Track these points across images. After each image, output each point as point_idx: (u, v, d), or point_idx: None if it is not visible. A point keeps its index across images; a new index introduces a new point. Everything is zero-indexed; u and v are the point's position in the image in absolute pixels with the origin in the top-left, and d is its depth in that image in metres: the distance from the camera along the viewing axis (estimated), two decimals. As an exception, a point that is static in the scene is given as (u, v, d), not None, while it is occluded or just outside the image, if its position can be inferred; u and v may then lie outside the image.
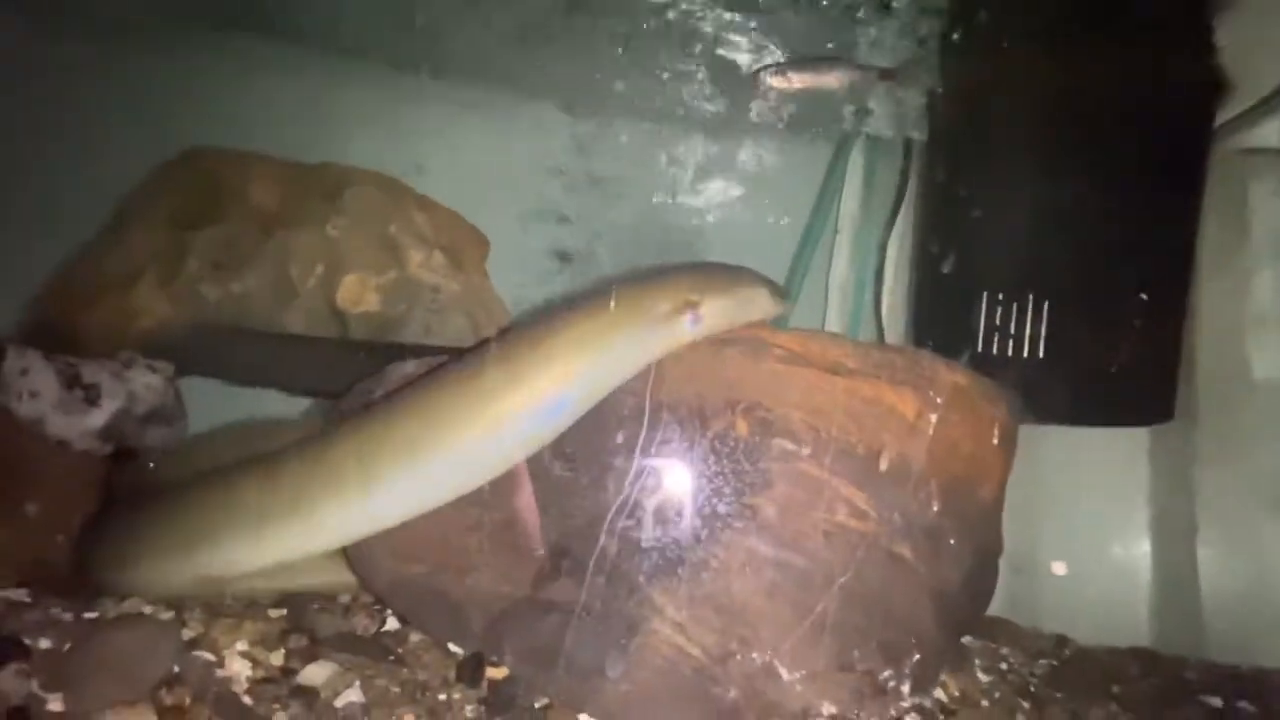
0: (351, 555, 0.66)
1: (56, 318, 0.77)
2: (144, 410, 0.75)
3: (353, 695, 0.49)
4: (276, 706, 0.46)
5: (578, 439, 0.65)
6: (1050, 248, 0.93)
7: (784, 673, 0.50)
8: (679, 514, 0.57)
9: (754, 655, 0.49)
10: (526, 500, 0.62)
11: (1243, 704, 0.67)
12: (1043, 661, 0.75)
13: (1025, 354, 0.91)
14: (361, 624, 0.62)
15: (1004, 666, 0.71)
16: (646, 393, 0.62)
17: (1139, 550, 1.00)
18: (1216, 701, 0.67)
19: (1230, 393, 0.97)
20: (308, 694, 0.48)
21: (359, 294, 0.77)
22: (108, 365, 0.73)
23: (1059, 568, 0.98)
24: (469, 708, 0.51)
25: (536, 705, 0.50)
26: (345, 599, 0.68)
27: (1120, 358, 0.90)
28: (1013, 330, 0.92)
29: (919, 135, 1.11)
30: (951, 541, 0.59)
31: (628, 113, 1.12)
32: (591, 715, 0.49)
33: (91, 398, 0.70)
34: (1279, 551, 0.92)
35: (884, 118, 1.11)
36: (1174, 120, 0.92)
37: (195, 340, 0.77)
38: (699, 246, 1.16)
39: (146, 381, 0.75)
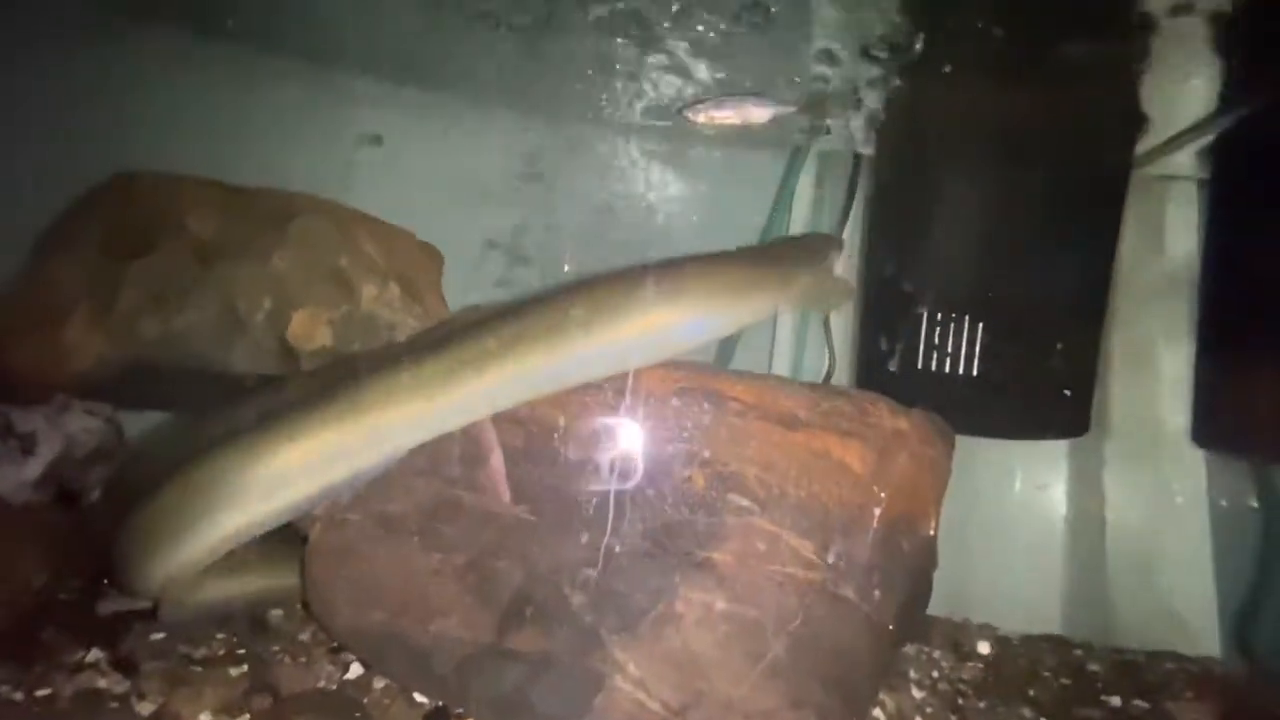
0: (310, 599, 0.66)
1: (-21, 356, 0.73)
2: (83, 453, 0.73)
3: (323, 762, 0.50)
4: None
5: (540, 482, 0.66)
6: (983, 269, 0.99)
7: (738, 718, 0.54)
8: (640, 561, 0.59)
9: (710, 705, 0.53)
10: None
11: (1137, 702, 0.76)
12: (970, 665, 0.83)
13: (960, 371, 0.97)
14: (325, 671, 0.63)
15: (936, 675, 0.78)
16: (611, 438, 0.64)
17: (1055, 547, 1.09)
18: (1116, 701, 0.76)
19: (1139, 407, 1.06)
20: (279, 765, 0.49)
21: (311, 330, 0.75)
22: (41, 410, 0.69)
23: (986, 566, 1.06)
24: (437, 764, 0.53)
25: (504, 759, 0.53)
26: (305, 637, 0.68)
27: (1043, 375, 0.97)
28: (949, 348, 0.98)
29: (867, 151, 1.15)
30: (892, 576, 0.64)
31: (582, 119, 1.11)
32: (557, 769, 0.52)
33: (27, 446, 0.67)
34: (1173, 548, 1.03)
35: (835, 134, 1.13)
36: (1098, 151, 0.98)
37: (134, 380, 0.74)
38: (654, 253, 1.18)
39: (84, 425, 0.72)
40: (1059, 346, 0.97)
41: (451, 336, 0.62)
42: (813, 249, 0.78)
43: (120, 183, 0.81)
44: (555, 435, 0.67)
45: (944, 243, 1.00)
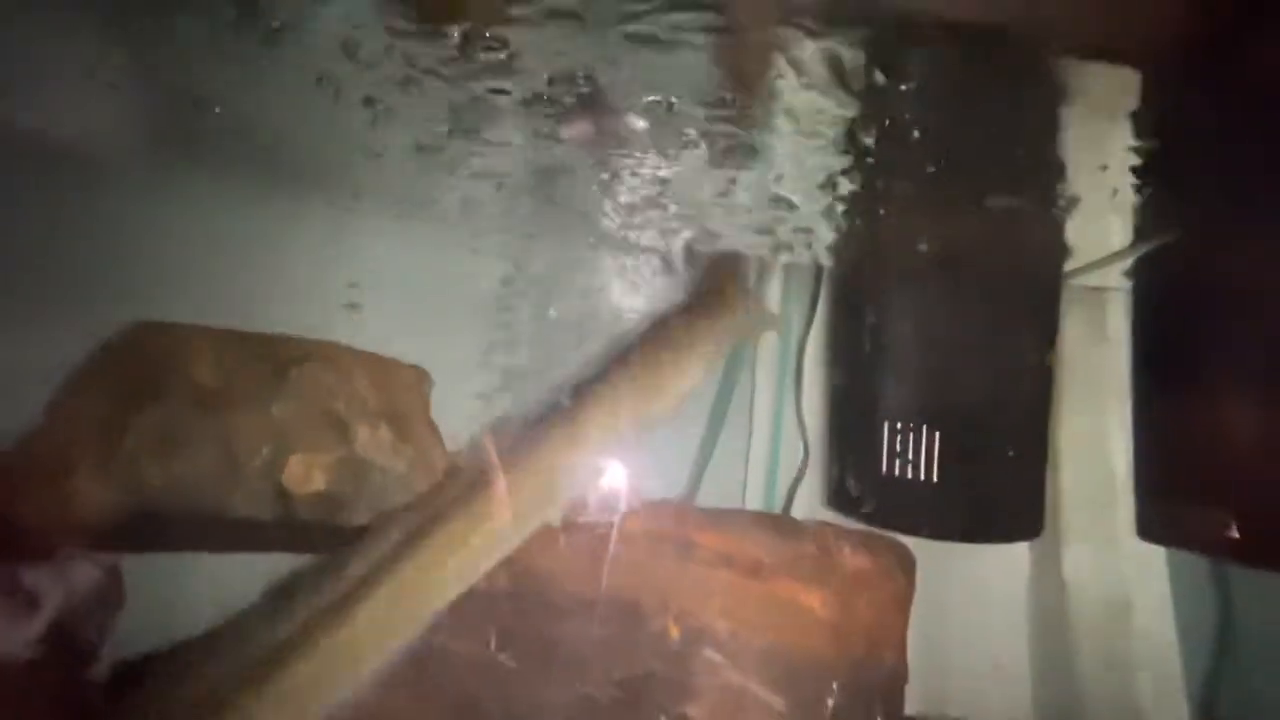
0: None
1: (-12, 510, 0.76)
2: (85, 604, 0.75)
3: None
4: None
5: (519, 626, 0.70)
6: (936, 382, 1.07)
7: None
8: (619, 712, 0.63)
9: None
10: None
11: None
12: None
13: (921, 477, 1.03)
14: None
15: (909, 796, 0.81)
16: (589, 581, 0.68)
17: (1020, 643, 1.14)
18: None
19: (1093, 502, 1.12)
20: None
21: (305, 475, 0.80)
22: (46, 567, 0.72)
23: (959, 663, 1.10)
24: None
25: None
26: None
27: (995, 479, 1.03)
28: (909, 455, 1.04)
29: (828, 263, 1.24)
30: (861, 712, 0.68)
31: (561, 236, 1.19)
32: None
33: (31, 603, 0.70)
34: (1138, 640, 1.08)
35: (799, 250, 1.22)
36: (1030, 274, 1.08)
37: (138, 525, 0.78)
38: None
39: (88, 575, 0.75)
40: (1008, 451, 1.04)
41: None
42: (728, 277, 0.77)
43: (131, 332, 0.86)
44: (538, 579, 0.71)
45: (898, 355, 1.08)
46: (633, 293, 1.27)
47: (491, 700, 0.67)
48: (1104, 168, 0.83)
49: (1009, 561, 1.14)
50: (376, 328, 1.05)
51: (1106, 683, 1.07)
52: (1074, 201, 0.98)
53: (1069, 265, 1.08)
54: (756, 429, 1.33)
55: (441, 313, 1.12)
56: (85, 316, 0.88)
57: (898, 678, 0.74)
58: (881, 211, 1.02)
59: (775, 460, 1.31)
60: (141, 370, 0.84)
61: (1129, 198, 0.98)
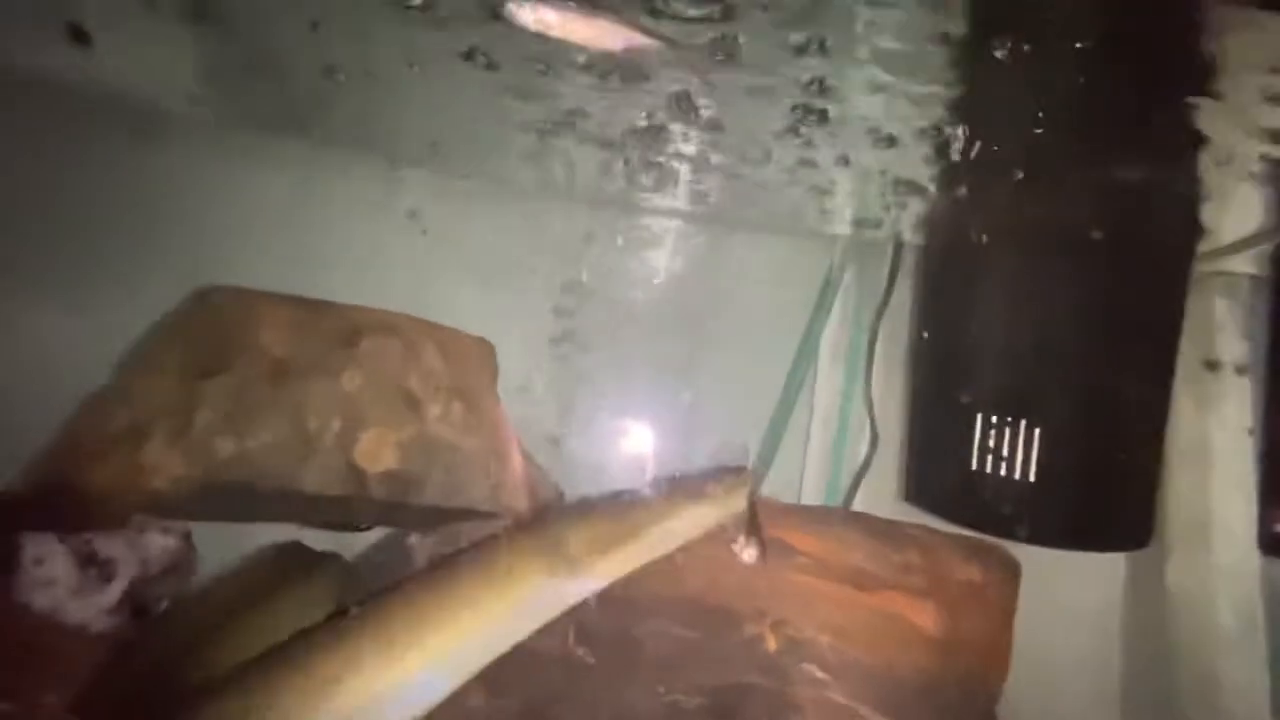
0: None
1: (62, 476, 0.75)
2: (157, 570, 0.75)
3: None
4: None
5: (600, 623, 0.66)
6: (1041, 370, 0.97)
7: None
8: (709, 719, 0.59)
9: None
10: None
11: None
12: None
13: (1017, 476, 0.95)
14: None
15: (1001, 815, 0.76)
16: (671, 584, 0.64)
17: (1113, 660, 1.06)
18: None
19: (1199, 512, 1.03)
20: None
21: (378, 451, 0.77)
22: (122, 535, 0.72)
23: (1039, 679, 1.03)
24: None
25: None
26: None
27: (1103, 482, 0.95)
28: (1005, 453, 0.96)
29: (914, 241, 1.14)
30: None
31: (618, 205, 1.13)
32: None
33: (106, 574, 0.69)
34: (1243, 664, 0.99)
35: (883, 226, 1.13)
36: (1162, 255, 0.97)
37: (208, 497, 0.76)
38: (702, 336, 1.18)
39: (161, 543, 0.74)
40: (1121, 453, 0.95)
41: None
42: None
43: (199, 299, 0.84)
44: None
45: (1000, 342, 0.99)
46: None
47: (569, 699, 0.63)
48: (1248, 138, 0.73)
49: (1105, 570, 1.06)
50: (442, 289, 1.02)
51: (1197, 702, 0.99)
52: (1214, 175, 0.88)
53: (1203, 247, 0.97)
54: (818, 416, 1.26)
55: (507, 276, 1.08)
56: (149, 281, 0.87)
57: (998, 693, 0.69)
58: (996, 174, 0.93)
59: (840, 450, 1.24)
60: (212, 338, 0.81)
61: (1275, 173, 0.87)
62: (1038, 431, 0.95)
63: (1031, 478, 0.94)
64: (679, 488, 0.64)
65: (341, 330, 0.83)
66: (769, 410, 1.20)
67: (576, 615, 0.66)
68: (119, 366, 0.80)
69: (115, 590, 0.69)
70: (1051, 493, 0.93)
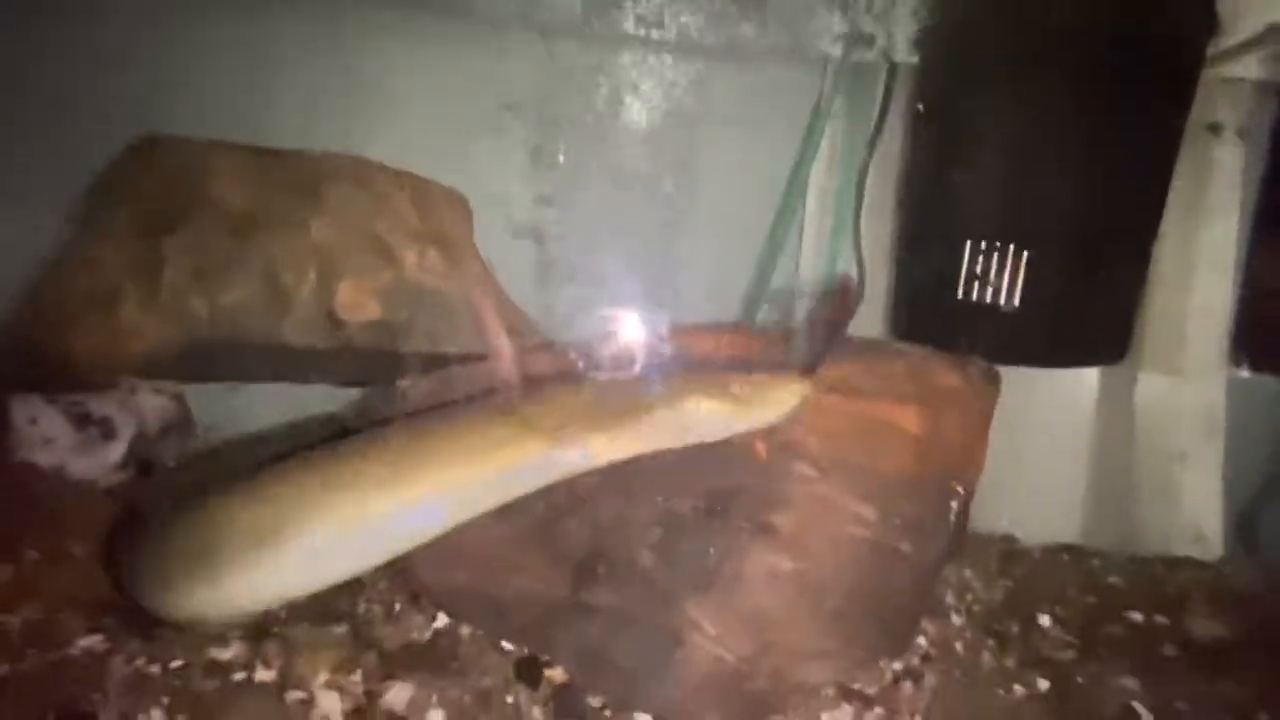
0: (396, 562, 0.71)
1: (36, 341, 0.74)
2: (156, 430, 0.76)
3: (436, 715, 0.56)
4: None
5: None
6: (1031, 194, 0.94)
7: (802, 660, 0.59)
8: (704, 522, 0.63)
9: (778, 653, 0.58)
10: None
11: (1158, 617, 0.82)
12: (1000, 584, 0.89)
13: (1002, 301, 0.96)
14: (415, 623, 0.69)
15: (970, 598, 0.84)
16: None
17: (1079, 468, 1.13)
18: (1138, 616, 0.82)
19: (1172, 329, 1.05)
20: (399, 721, 0.55)
21: (357, 301, 0.76)
22: (113, 395, 0.71)
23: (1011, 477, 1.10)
24: (536, 709, 0.59)
25: (593, 705, 0.59)
26: (383, 585, 0.74)
27: (1088, 305, 0.96)
28: (991, 278, 0.96)
29: (909, 60, 1.07)
30: (942, 524, 0.67)
31: (598, 37, 1.04)
32: (646, 714, 0.58)
33: (106, 432, 0.70)
34: (1201, 474, 1.06)
35: (876, 44, 1.05)
36: (1168, 61, 0.91)
37: (192, 356, 0.75)
38: (685, 177, 1.14)
39: (154, 404, 0.75)
40: (1108, 275, 0.95)
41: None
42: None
43: (143, 149, 0.78)
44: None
45: (993, 165, 0.96)
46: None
47: (577, 514, 0.67)
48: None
49: (1077, 383, 1.10)
50: (401, 136, 0.95)
51: (1155, 509, 1.07)
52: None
53: (1214, 48, 0.91)
54: (806, 254, 1.24)
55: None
56: (91, 135, 0.80)
57: (972, 492, 0.73)
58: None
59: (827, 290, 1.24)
60: (164, 191, 0.77)
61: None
62: (1026, 256, 0.94)
63: (1017, 303, 0.95)
64: (699, 379, 0.59)
65: (303, 179, 0.79)
66: (755, 256, 1.18)
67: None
68: (68, 227, 0.76)
69: (118, 448, 0.70)
70: (1036, 317, 0.93)
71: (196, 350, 0.75)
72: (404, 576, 0.70)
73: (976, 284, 0.97)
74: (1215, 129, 1.02)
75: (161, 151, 0.78)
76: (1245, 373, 1.05)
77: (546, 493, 0.68)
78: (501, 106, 1.01)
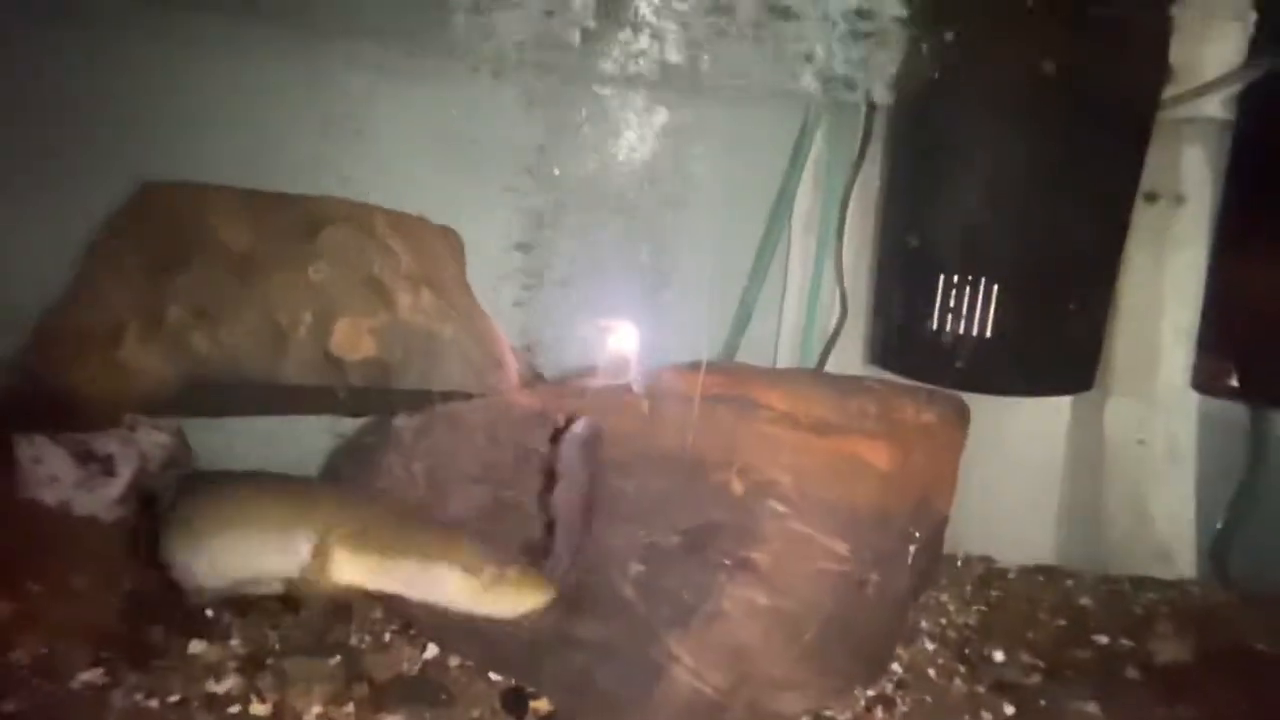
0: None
1: (41, 378, 0.76)
2: (157, 466, 0.78)
3: (426, 746, 0.59)
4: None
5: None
6: (1001, 229, 0.99)
7: (777, 690, 0.62)
8: (684, 558, 0.66)
9: (755, 684, 0.61)
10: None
11: (1123, 640, 0.85)
12: (974, 609, 0.92)
13: (974, 332, 0.99)
14: (405, 654, 0.71)
15: (944, 622, 0.87)
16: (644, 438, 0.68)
17: (1053, 483, 1.17)
18: (1104, 639, 0.85)
19: (1141, 355, 1.10)
20: (391, 753, 0.57)
21: (354, 340, 0.78)
22: (115, 433, 0.74)
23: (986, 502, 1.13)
24: (522, 740, 0.61)
25: (579, 734, 0.61)
26: (377, 614, 0.76)
27: (1057, 335, 1.00)
28: (963, 310, 1.00)
29: (884, 100, 1.12)
30: (913, 555, 0.70)
31: (581, 76, 1.08)
32: (627, 743, 0.60)
33: (108, 469, 0.72)
34: (1163, 485, 1.10)
35: (852, 86, 1.10)
36: (1125, 104, 0.96)
37: (192, 393, 0.78)
38: (672, 215, 1.17)
39: (155, 440, 0.77)
40: (1074, 306, 0.99)
41: None
42: None
43: (149, 194, 0.81)
44: (598, 436, 0.71)
45: (961, 200, 1.00)
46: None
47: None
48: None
49: (1048, 411, 1.14)
50: (397, 176, 0.98)
51: (1127, 530, 1.10)
52: (1185, 10, 0.85)
53: (1169, 91, 0.96)
54: (790, 288, 1.28)
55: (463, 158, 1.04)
56: (99, 178, 0.83)
57: (944, 521, 0.77)
58: (956, 31, 0.90)
59: (811, 319, 1.28)
60: (167, 235, 0.79)
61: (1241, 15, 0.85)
62: (995, 288, 0.98)
63: (988, 333, 0.99)
64: (465, 550, 0.64)
65: (301, 222, 0.82)
66: (740, 285, 1.22)
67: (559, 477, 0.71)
68: (76, 268, 0.79)
69: (119, 483, 0.72)
70: (1005, 345, 0.97)
71: (197, 387, 0.77)
72: (395, 607, 0.73)
73: (950, 316, 1.02)
74: (1153, 199, 1.07)
75: (164, 195, 0.81)
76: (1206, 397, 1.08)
77: (530, 528, 0.71)
78: (484, 142, 1.05)
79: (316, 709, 0.61)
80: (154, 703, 0.59)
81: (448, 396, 0.79)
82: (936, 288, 1.00)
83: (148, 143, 0.86)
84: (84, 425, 0.73)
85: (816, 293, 1.25)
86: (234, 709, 0.60)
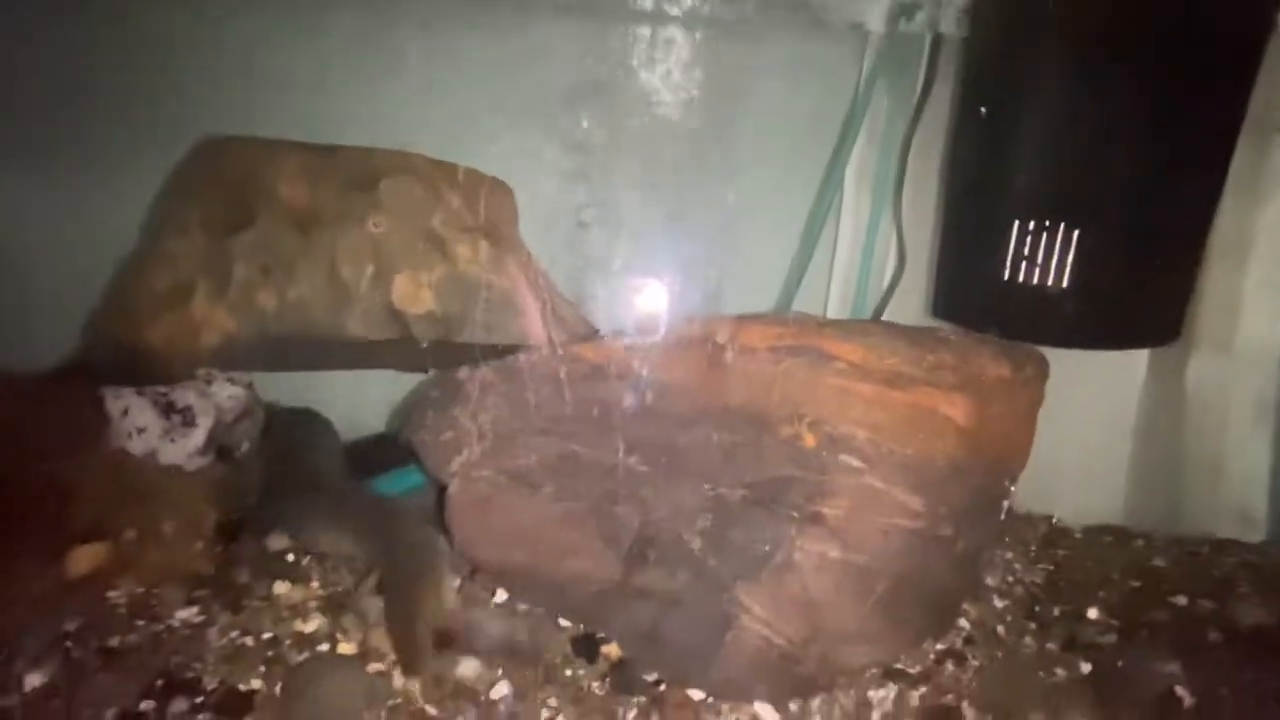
0: (455, 542, 0.75)
1: (120, 338, 0.79)
2: (232, 418, 0.80)
3: (503, 688, 0.61)
4: (457, 713, 0.57)
5: (647, 435, 0.71)
6: (1090, 172, 0.92)
7: (848, 643, 0.62)
8: (752, 511, 0.65)
9: (826, 637, 0.60)
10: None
11: (1203, 601, 0.82)
12: (1039, 568, 0.89)
13: (1050, 282, 0.94)
14: (478, 599, 0.73)
15: (1010, 580, 0.85)
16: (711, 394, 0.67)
17: (1123, 449, 1.11)
18: (1183, 600, 0.82)
19: (1225, 312, 1.02)
20: (470, 694, 0.60)
21: (414, 293, 0.78)
22: (193, 386, 0.76)
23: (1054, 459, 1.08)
24: (594, 684, 0.63)
25: (649, 680, 0.63)
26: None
27: (1143, 284, 0.93)
28: (1040, 259, 0.94)
29: (956, 32, 1.04)
30: (986, 511, 0.68)
31: (631, 14, 1.03)
32: (698, 690, 0.61)
33: (188, 420, 0.75)
34: (1251, 454, 1.04)
35: (922, 15, 1.03)
36: (1233, 27, 0.87)
37: (260, 349, 0.79)
38: (732, 156, 1.13)
39: (229, 393, 0.80)
40: (1164, 252, 0.92)
41: None
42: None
43: (208, 151, 0.82)
44: (663, 393, 0.70)
45: (1046, 140, 0.93)
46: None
47: (627, 499, 0.70)
48: None
49: (1122, 364, 1.08)
50: (448, 126, 0.96)
51: (1204, 490, 1.05)
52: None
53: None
54: (843, 239, 1.23)
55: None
56: (159, 134, 0.84)
57: (1016, 480, 0.74)
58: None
59: (865, 271, 1.23)
60: (229, 191, 0.80)
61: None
62: (1077, 235, 0.92)
63: (1065, 283, 0.93)
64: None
65: (358, 175, 0.81)
66: (795, 235, 1.18)
67: (625, 430, 0.71)
68: (145, 228, 0.80)
69: (199, 434, 0.75)
70: (1086, 297, 0.92)
71: (266, 342, 0.79)
72: (463, 555, 0.75)
73: (1024, 264, 0.96)
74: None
75: (224, 152, 0.81)
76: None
77: (598, 479, 0.71)
78: (542, 92, 1.02)
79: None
80: (249, 640, 0.63)
81: (509, 350, 0.79)
82: (1010, 233, 0.94)
83: (207, 99, 0.87)
84: (161, 380, 0.75)
85: (872, 244, 1.20)
86: (323, 647, 0.63)
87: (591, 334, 0.90)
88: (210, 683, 0.58)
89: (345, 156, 0.81)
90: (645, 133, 1.07)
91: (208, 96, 0.89)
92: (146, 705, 0.55)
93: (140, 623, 0.63)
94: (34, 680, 0.56)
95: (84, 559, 0.66)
